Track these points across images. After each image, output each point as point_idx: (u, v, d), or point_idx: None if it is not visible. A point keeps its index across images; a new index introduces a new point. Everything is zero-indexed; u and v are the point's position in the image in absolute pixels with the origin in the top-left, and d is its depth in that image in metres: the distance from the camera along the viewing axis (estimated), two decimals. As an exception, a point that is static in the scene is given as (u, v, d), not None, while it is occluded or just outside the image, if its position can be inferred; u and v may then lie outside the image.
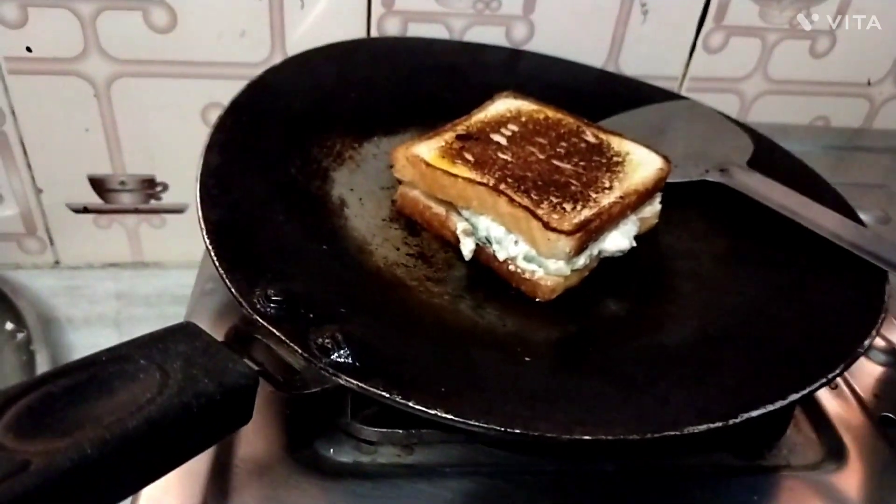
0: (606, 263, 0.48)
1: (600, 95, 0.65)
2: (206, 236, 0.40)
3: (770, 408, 0.34)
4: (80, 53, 0.63)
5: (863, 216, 0.67)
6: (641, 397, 0.35)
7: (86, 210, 0.73)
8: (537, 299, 0.44)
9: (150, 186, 0.73)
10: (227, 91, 0.65)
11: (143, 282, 0.77)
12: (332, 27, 0.65)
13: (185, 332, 0.32)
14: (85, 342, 0.71)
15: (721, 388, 0.36)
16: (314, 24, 0.65)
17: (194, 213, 0.73)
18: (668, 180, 0.50)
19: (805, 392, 0.36)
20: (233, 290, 0.37)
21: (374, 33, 0.66)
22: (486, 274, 0.46)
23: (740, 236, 0.51)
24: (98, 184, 0.72)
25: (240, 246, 0.40)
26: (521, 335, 0.41)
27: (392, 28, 0.67)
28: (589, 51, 0.71)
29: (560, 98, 0.63)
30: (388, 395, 0.33)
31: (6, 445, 0.25)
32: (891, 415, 0.47)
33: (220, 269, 0.38)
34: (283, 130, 0.51)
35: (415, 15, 0.66)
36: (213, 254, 0.39)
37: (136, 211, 0.74)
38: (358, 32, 0.66)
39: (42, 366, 0.64)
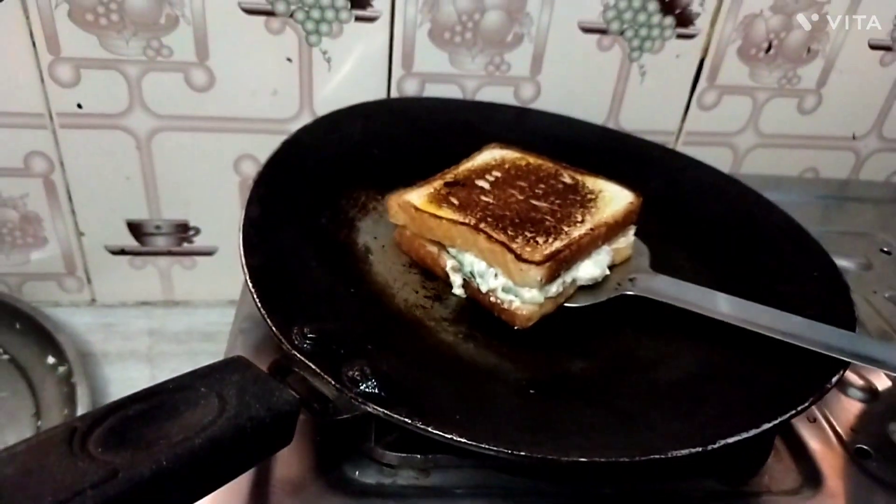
0: (610, 307, 0.52)
1: (602, 150, 0.70)
2: (248, 281, 0.45)
3: (745, 435, 0.39)
4: (126, 109, 0.69)
5: (847, 262, 0.72)
6: (633, 426, 0.40)
7: (123, 252, 0.79)
8: (516, 327, 0.49)
9: (183, 230, 0.78)
10: (258, 144, 0.71)
11: (174, 319, 0.82)
12: (357, 87, 0.71)
13: (237, 364, 0.37)
14: (119, 376, 0.76)
15: (703, 418, 0.41)
16: (340, 84, 0.71)
17: (223, 255, 0.79)
18: (582, 304, 0.52)
19: (777, 422, 0.40)
20: (273, 328, 0.42)
21: (394, 93, 0.72)
22: (493, 317, 0.51)
23: (720, 274, 0.56)
24: (135, 227, 0.77)
25: (278, 289, 0.45)
26: (527, 371, 0.46)
27: (410, 88, 0.73)
28: (591, 108, 0.76)
29: (564, 152, 0.68)
30: (410, 422, 0.38)
31: (98, 457, 0.30)
32: (865, 447, 0.52)
33: (262, 310, 0.43)
34: (314, 184, 0.57)
35: (431, 76, 0.72)
36: (255, 296, 0.44)
37: (170, 253, 0.80)
38: (379, 92, 0.72)
39: (82, 397, 0.68)
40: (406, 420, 0.38)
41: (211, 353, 0.48)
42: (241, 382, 0.36)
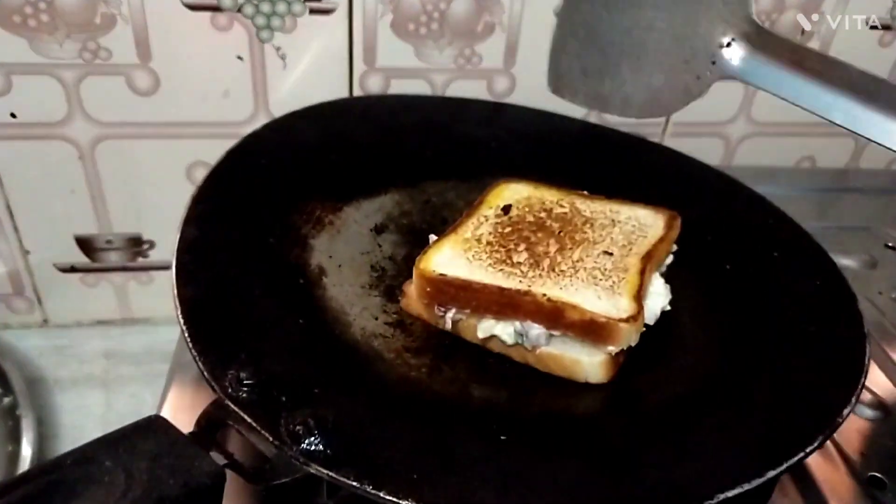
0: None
1: (583, 146, 0.65)
2: (179, 316, 0.40)
3: (747, 486, 0.34)
4: (65, 117, 0.64)
5: (849, 260, 0.68)
6: (619, 480, 0.35)
7: (73, 269, 0.73)
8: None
9: (136, 244, 0.73)
10: (211, 150, 0.65)
11: (132, 339, 0.77)
12: (315, 85, 0.66)
13: (151, 428, 0.32)
14: (73, 404, 0.71)
15: (699, 466, 0.36)
16: (297, 82, 0.66)
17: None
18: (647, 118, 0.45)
19: (783, 468, 0.35)
20: (205, 373, 0.37)
21: (357, 91, 0.67)
22: (463, 343, 0.45)
23: (716, 293, 0.51)
24: (85, 243, 0.72)
25: (215, 326, 0.40)
26: (496, 407, 0.41)
27: (374, 85, 0.67)
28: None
29: (543, 150, 0.63)
30: (358, 486, 0.33)
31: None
32: (879, 475, 0.47)
33: (193, 350, 0.38)
34: (262, 198, 0.51)
35: (396, 71, 0.67)
36: (186, 336, 0.39)
37: (124, 269, 0.74)
38: (341, 90, 0.67)
39: (27, 431, 0.64)
40: (354, 483, 0.33)
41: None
42: (155, 451, 0.30)
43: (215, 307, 0.42)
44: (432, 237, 0.48)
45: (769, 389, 0.42)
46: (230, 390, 0.36)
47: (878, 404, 0.52)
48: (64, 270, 0.73)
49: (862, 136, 0.40)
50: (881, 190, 0.81)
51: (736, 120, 0.77)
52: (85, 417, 0.71)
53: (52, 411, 0.70)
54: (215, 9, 0.61)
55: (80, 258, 0.73)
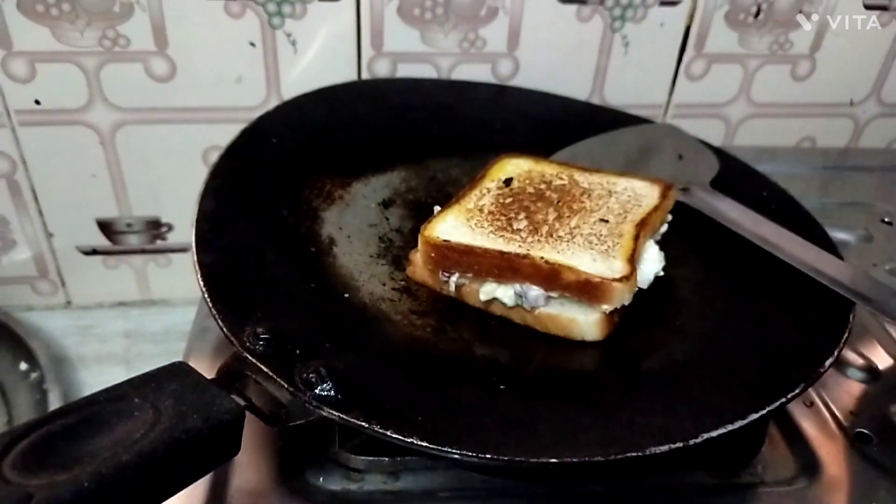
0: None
1: (586, 127, 0.67)
2: (199, 279, 0.42)
3: (730, 427, 0.36)
4: (86, 104, 0.67)
5: (845, 235, 0.69)
6: (609, 422, 0.37)
7: (95, 252, 0.76)
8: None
9: (155, 227, 0.76)
10: (226, 134, 0.68)
11: (151, 319, 0.79)
12: (325, 70, 0.68)
13: (176, 371, 0.35)
14: (95, 380, 0.73)
15: (686, 411, 0.38)
16: (307, 67, 0.68)
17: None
18: None
19: (764, 412, 0.37)
20: (224, 329, 0.39)
21: (365, 75, 0.69)
22: (466, 308, 0.48)
23: (713, 262, 0.53)
24: (106, 226, 0.75)
25: (232, 287, 0.43)
26: (497, 363, 0.43)
27: (382, 69, 0.69)
28: (573, 83, 0.73)
29: (547, 131, 0.65)
30: (367, 425, 0.35)
31: (11, 480, 0.27)
32: (866, 431, 0.49)
33: (212, 309, 0.41)
34: (275, 173, 0.54)
35: (403, 56, 0.69)
36: (206, 296, 0.41)
37: (143, 251, 0.77)
38: (349, 74, 0.69)
39: (54, 403, 0.66)
40: (363, 424, 0.35)
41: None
42: (180, 391, 0.33)
43: (232, 271, 0.44)
44: (437, 209, 0.51)
45: (757, 346, 0.44)
46: (248, 344, 0.38)
47: (870, 369, 0.54)
48: (86, 253, 0.76)
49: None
50: (880, 168, 0.82)
51: (736, 101, 0.79)
52: (108, 393, 0.73)
53: (76, 386, 0.73)
54: (228, -4, 0.64)
55: (102, 241, 0.76)
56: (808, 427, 0.48)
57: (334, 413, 0.35)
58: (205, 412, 0.32)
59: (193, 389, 0.33)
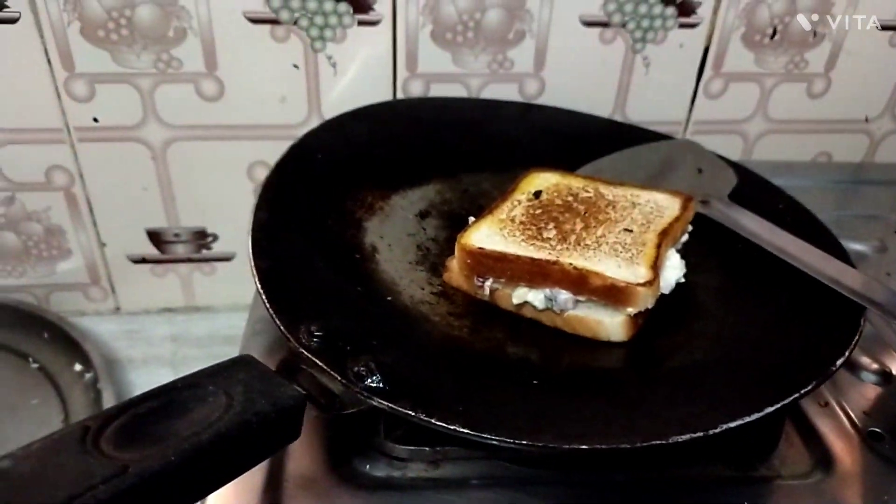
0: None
1: (609, 143, 0.70)
2: (257, 283, 0.46)
3: (747, 419, 0.39)
4: (140, 122, 0.71)
5: (860, 246, 0.72)
6: (634, 414, 0.41)
7: (144, 260, 0.81)
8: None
9: (201, 237, 0.80)
10: (269, 151, 0.73)
11: (196, 325, 0.84)
12: (363, 90, 0.72)
13: (244, 362, 0.39)
14: (144, 381, 0.77)
15: (706, 404, 0.41)
16: (346, 88, 0.72)
17: (242, 260, 0.80)
18: None
19: (779, 405, 0.40)
20: (281, 327, 0.43)
21: (399, 95, 0.74)
22: (500, 311, 0.51)
23: (731, 270, 0.56)
24: (155, 236, 0.79)
25: (286, 290, 0.47)
26: (528, 362, 0.47)
27: (415, 89, 0.74)
28: (596, 102, 0.77)
29: (572, 147, 0.69)
30: (413, 414, 0.39)
31: (109, 454, 0.31)
32: (878, 430, 0.51)
33: (270, 310, 0.45)
34: (321, 187, 0.58)
35: (436, 77, 0.73)
36: (264, 298, 0.45)
37: (189, 260, 0.82)
38: (385, 94, 0.73)
39: (108, 401, 0.70)
40: (410, 412, 0.39)
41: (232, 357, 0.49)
42: (248, 380, 0.37)
43: (285, 276, 0.48)
44: (471, 219, 0.55)
45: (772, 347, 0.47)
46: (303, 340, 0.42)
47: (882, 373, 0.57)
48: (136, 261, 0.81)
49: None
50: (895, 182, 0.85)
51: (753, 118, 0.82)
52: (155, 393, 0.77)
53: (127, 387, 0.77)
54: (274, 22, 0.68)
55: (150, 250, 0.80)
56: (823, 426, 0.51)
57: (384, 403, 0.39)
58: (271, 398, 0.36)
59: (260, 378, 0.37)
